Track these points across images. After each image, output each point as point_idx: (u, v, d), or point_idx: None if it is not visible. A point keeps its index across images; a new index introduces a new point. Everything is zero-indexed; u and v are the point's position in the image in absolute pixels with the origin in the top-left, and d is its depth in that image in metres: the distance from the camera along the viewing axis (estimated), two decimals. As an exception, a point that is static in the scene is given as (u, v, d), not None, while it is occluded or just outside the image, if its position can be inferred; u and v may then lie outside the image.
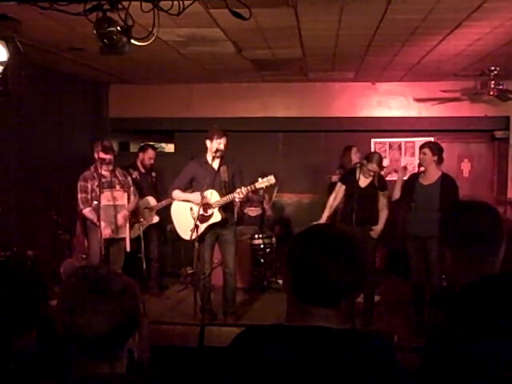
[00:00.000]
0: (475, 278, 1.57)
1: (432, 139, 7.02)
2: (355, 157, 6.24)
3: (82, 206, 5.22)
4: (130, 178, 5.60)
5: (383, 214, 5.22)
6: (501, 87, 6.39)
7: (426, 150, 5.01)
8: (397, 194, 5.22)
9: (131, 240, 5.45)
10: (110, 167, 5.26)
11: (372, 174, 5.13)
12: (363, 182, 5.19)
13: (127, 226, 5.28)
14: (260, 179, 4.94)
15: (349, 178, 5.27)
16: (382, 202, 5.24)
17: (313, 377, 1.33)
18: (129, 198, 5.37)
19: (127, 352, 1.39)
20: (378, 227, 5.19)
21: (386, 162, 7.53)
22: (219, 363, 1.46)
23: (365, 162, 5.15)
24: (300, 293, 1.44)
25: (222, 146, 4.96)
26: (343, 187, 5.32)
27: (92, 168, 5.25)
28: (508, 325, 1.44)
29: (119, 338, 1.35)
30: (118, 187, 5.30)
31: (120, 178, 5.38)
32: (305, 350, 1.36)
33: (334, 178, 6.15)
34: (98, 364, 1.34)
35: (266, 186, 5.00)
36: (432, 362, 1.46)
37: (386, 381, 1.35)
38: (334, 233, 1.49)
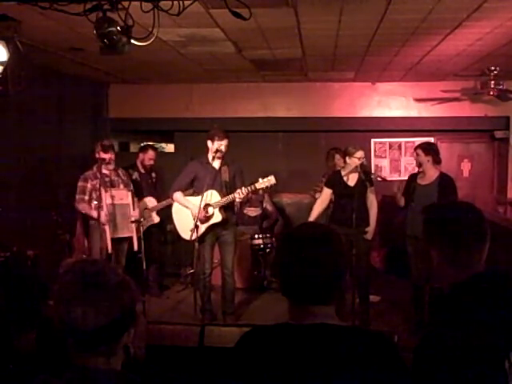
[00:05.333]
0: (462, 277, 1.59)
1: (432, 139, 7.05)
2: (339, 162, 6.15)
3: (77, 206, 5.27)
4: (130, 180, 5.65)
5: (373, 213, 5.16)
6: (501, 87, 6.40)
7: (419, 151, 5.04)
8: (402, 203, 5.16)
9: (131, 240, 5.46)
10: (111, 166, 5.27)
11: (360, 164, 5.02)
12: (351, 180, 5.12)
13: (133, 225, 5.30)
14: (260, 179, 4.94)
15: (334, 180, 5.21)
16: (371, 198, 5.17)
17: (323, 373, 1.35)
18: (133, 197, 5.40)
19: (123, 348, 1.40)
20: (371, 228, 5.13)
21: (386, 162, 7.58)
22: (227, 362, 1.47)
23: (347, 158, 5.11)
24: (290, 295, 1.48)
25: (223, 148, 4.97)
26: (329, 191, 5.23)
27: (94, 168, 5.26)
28: (495, 322, 1.45)
29: (115, 332, 1.36)
30: (121, 186, 5.33)
31: (123, 178, 5.43)
32: (314, 347, 1.38)
33: (318, 195, 5.76)
34: (94, 358, 1.35)
35: (267, 187, 5.01)
36: (422, 363, 1.48)
37: (394, 376, 1.38)
38: (310, 232, 1.53)
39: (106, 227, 5.08)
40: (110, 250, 5.09)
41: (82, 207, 5.25)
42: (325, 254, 1.44)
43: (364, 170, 5.12)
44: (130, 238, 5.38)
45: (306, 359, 1.36)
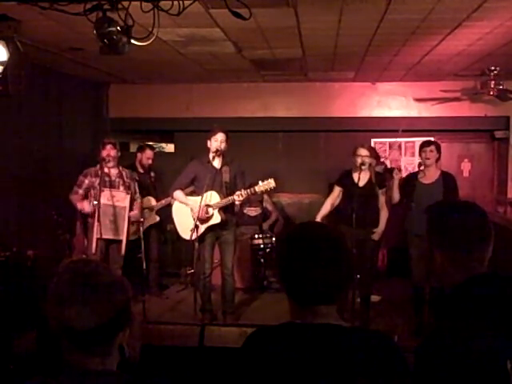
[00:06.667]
0: (464, 277, 1.58)
1: (432, 139, 7.04)
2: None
3: (70, 197, 5.28)
4: (136, 183, 5.59)
5: (383, 214, 5.14)
6: (501, 87, 6.39)
7: (433, 148, 5.07)
8: (396, 197, 5.13)
9: (131, 240, 5.44)
10: (110, 164, 5.25)
11: (366, 162, 4.99)
12: (361, 180, 5.10)
13: (125, 228, 5.23)
14: (260, 182, 4.94)
15: (345, 178, 5.21)
16: (382, 200, 5.17)
17: (329, 373, 1.35)
18: (131, 202, 5.34)
19: (118, 348, 1.40)
20: (380, 229, 5.11)
21: (386, 162, 7.56)
22: (234, 363, 1.47)
23: (352, 156, 5.10)
24: (296, 297, 1.46)
25: (220, 144, 4.95)
26: (339, 189, 5.24)
27: (98, 166, 5.25)
28: (497, 323, 1.45)
29: (109, 332, 1.36)
30: (121, 188, 5.29)
31: (125, 180, 5.36)
32: (320, 346, 1.38)
33: None
34: (89, 359, 1.35)
35: (266, 189, 5.01)
36: (424, 364, 1.47)
37: (397, 376, 1.38)
38: (314, 232, 1.51)
39: (95, 227, 4.99)
40: (93, 250, 4.99)
41: (73, 198, 5.25)
42: (332, 254, 1.42)
43: (376, 172, 5.15)
44: (128, 239, 5.32)
45: (313, 359, 1.36)
